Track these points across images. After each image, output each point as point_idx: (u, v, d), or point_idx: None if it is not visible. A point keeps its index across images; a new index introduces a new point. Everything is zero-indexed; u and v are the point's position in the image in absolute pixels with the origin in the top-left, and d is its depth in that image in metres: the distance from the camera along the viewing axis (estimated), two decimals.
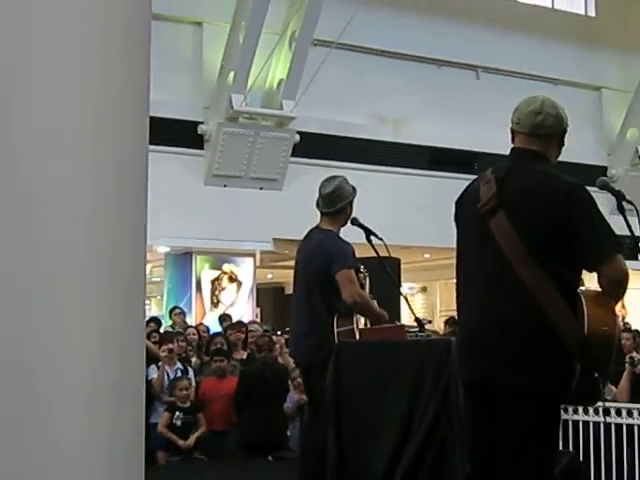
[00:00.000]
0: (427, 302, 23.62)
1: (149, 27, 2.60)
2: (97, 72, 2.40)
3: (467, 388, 4.75)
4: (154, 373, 10.18)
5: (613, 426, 7.83)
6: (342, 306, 6.55)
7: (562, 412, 4.81)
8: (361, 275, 6.91)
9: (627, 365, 8.44)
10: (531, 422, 4.31)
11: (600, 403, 7.14)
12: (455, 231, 4.78)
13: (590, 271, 4.39)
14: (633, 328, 11.47)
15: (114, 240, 2.42)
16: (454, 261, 4.73)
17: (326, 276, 6.56)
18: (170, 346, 10.67)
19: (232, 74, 15.83)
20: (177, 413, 9.94)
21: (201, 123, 16.18)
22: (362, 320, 6.71)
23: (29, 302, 2.33)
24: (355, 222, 6.85)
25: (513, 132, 4.68)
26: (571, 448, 7.68)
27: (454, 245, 4.77)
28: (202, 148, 16.25)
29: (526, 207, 4.38)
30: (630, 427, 7.74)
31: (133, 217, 2.51)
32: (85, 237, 2.37)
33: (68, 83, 2.37)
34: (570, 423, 7.66)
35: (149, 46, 2.58)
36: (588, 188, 4.47)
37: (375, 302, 6.81)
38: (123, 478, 2.46)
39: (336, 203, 6.80)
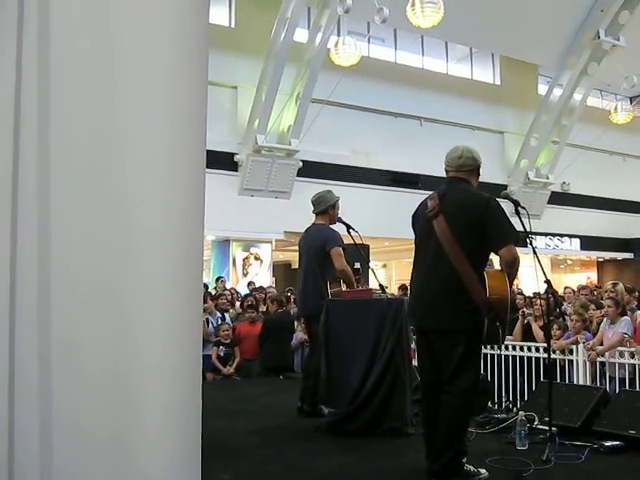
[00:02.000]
0: (387, 275, 23.63)
1: (206, 90, 2.61)
2: (179, 124, 2.41)
3: (417, 331, 4.85)
4: (207, 322, 10.22)
5: (510, 357, 7.85)
6: (333, 275, 6.57)
7: None
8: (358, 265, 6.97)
9: (519, 317, 8.47)
10: (463, 353, 4.38)
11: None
12: (405, 227, 4.88)
13: (494, 252, 4.48)
14: (524, 293, 11.49)
15: (186, 231, 2.43)
16: (405, 247, 4.82)
17: (322, 253, 6.58)
18: (210, 303, 10.71)
19: (257, 121, 15.84)
20: (221, 347, 9.98)
21: (236, 154, 16.20)
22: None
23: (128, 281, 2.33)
24: (340, 220, 6.87)
25: (446, 170, 4.79)
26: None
27: (405, 236, 4.85)
28: (237, 170, 16.27)
29: (458, 213, 4.51)
30: (521, 358, 7.75)
31: (198, 215, 2.52)
32: (167, 231, 2.37)
33: (165, 131, 2.38)
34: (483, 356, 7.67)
35: (206, 105, 2.59)
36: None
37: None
38: (188, 388, 2.43)
39: (320, 205, 6.85)
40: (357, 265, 6.90)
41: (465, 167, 4.71)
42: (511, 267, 4.48)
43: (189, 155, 2.44)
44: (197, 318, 2.55)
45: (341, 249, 6.57)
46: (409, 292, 4.99)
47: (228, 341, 9.99)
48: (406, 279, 18.17)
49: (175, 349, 2.35)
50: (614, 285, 8.68)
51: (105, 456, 2.28)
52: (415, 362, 6.64)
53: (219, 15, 16.56)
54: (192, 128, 2.46)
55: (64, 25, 2.35)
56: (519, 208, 4.88)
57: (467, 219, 4.46)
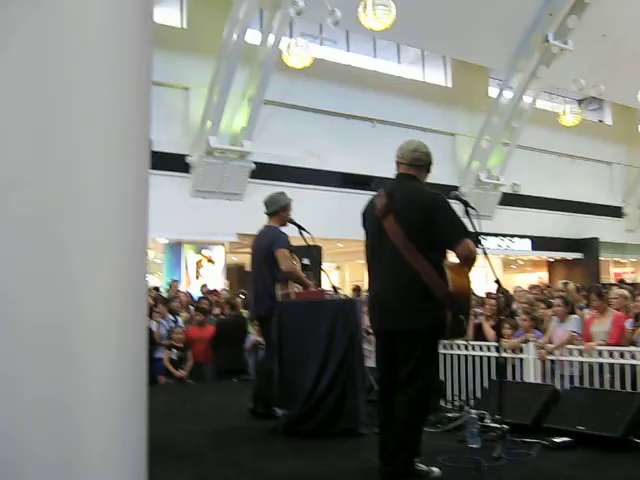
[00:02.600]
0: (340, 276, 23.68)
1: (150, 90, 2.56)
2: (121, 122, 2.38)
3: (377, 334, 4.80)
4: (155, 326, 10.14)
5: (462, 357, 7.95)
6: (281, 276, 6.57)
7: None
8: (305, 260, 6.96)
9: (471, 316, 8.55)
10: (422, 353, 4.39)
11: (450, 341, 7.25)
12: (358, 228, 4.85)
13: (449, 249, 4.48)
14: (476, 292, 11.59)
15: (126, 232, 2.40)
16: (359, 249, 4.79)
17: (270, 254, 6.58)
18: (162, 307, 10.65)
19: (209, 123, 15.75)
20: (173, 350, 9.91)
21: (188, 156, 16.09)
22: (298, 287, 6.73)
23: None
24: (291, 221, 6.87)
25: (398, 163, 4.74)
26: None
27: (358, 238, 4.82)
28: (189, 172, 16.16)
29: (407, 210, 4.46)
30: (473, 357, 7.85)
31: (140, 217, 2.48)
32: (107, 231, 2.34)
33: (104, 131, 2.35)
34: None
35: (150, 104, 2.55)
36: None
37: (303, 274, 6.85)
38: (132, 396, 2.40)
39: (271, 207, 6.84)
40: (305, 261, 6.89)
41: (417, 162, 4.68)
42: (468, 261, 4.47)
43: (131, 155, 2.40)
44: (141, 322, 2.51)
45: (287, 251, 6.56)
46: (367, 296, 4.93)
47: (180, 344, 9.93)
48: (360, 280, 18.27)
49: (118, 355, 2.32)
50: (565, 284, 8.84)
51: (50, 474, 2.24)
52: (369, 363, 6.69)
53: (170, 16, 16.45)
54: (136, 131, 2.42)
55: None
56: (468, 209, 4.91)
57: (418, 217, 4.41)
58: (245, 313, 10.67)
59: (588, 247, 23.72)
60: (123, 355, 2.36)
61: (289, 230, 6.83)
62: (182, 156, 15.99)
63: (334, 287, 6.87)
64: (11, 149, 2.28)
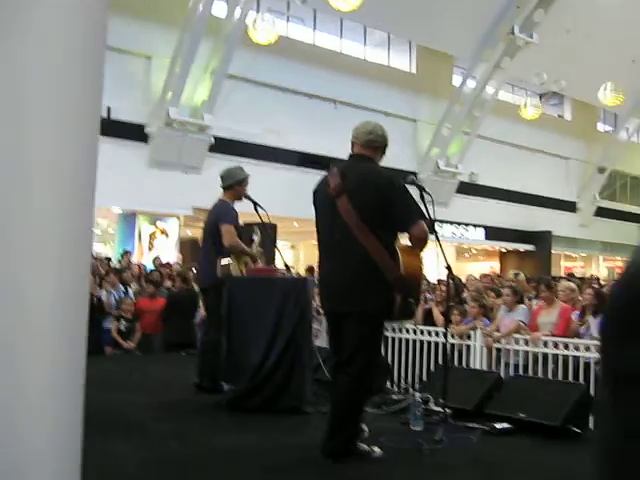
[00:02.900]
0: (295, 256, 23.73)
1: (103, 58, 2.50)
2: (67, 89, 2.32)
3: (327, 314, 4.84)
4: (105, 296, 10.05)
5: (410, 341, 8.03)
6: (223, 250, 6.58)
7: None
8: (254, 232, 6.96)
9: (422, 301, 8.63)
10: (366, 335, 4.42)
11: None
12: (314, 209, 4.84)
13: (403, 232, 4.50)
14: (427, 278, 11.69)
15: (72, 203, 2.36)
16: (314, 228, 4.77)
17: (216, 229, 6.58)
18: (113, 277, 10.57)
19: (170, 94, 15.61)
20: (122, 321, 9.84)
21: (147, 126, 15.93)
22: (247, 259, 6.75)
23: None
24: (247, 197, 6.86)
25: (353, 143, 4.73)
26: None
27: (313, 217, 4.81)
28: (147, 142, 16.01)
29: (361, 191, 4.44)
30: (421, 342, 7.93)
31: (87, 187, 2.43)
32: (50, 202, 2.30)
33: (48, 93, 2.30)
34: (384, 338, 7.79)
35: (102, 71, 2.49)
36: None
37: (259, 250, 6.86)
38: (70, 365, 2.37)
39: (227, 180, 6.82)
40: (254, 237, 6.89)
41: (373, 143, 4.65)
42: (421, 242, 4.50)
43: (79, 125, 2.36)
44: (83, 296, 2.49)
45: (232, 227, 6.57)
46: (318, 275, 4.93)
47: (129, 316, 9.86)
48: (314, 261, 18.21)
49: (58, 325, 2.30)
50: (516, 275, 8.97)
51: None
52: (316, 342, 6.73)
53: None
54: (84, 96, 2.37)
55: None
56: (424, 194, 4.93)
57: (371, 197, 4.40)
58: (196, 287, 10.64)
59: (541, 240, 24.10)
60: (64, 328, 2.33)
61: (245, 206, 6.82)
62: (141, 126, 15.83)
63: (286, 265, 6.88)
64: None
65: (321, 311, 8.37)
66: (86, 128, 2.38)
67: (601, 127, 28.21)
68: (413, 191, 4.70)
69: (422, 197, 4.91)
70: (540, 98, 23.77)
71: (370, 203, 4.40)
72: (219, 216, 6.63)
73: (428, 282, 10.84)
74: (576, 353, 6.73)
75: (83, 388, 2.41)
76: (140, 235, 16.71)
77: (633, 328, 0.60)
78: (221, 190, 6.92)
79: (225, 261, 6.50)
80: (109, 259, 13.71)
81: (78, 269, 2.37)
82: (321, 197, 4.69)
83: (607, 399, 0.63)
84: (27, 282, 2.25)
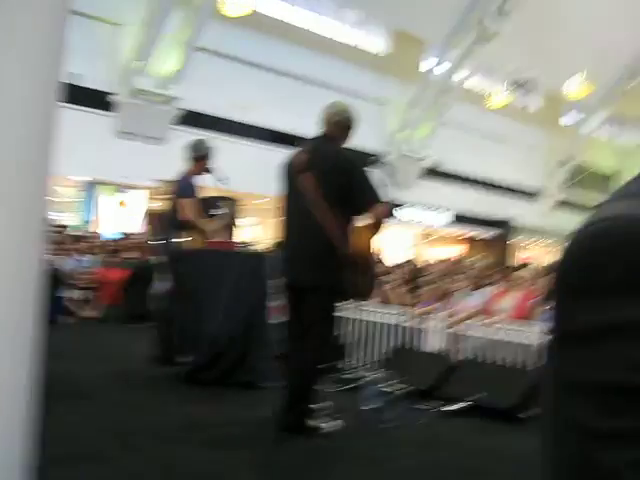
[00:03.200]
0: (262, 233, 23.66)
1: (64, 23, 2.46)
2: (23, 51, 2.29)
3: (287, 287, 4.89)
4: (64, 264, 9.96)
5: (370, 323, 8.08)
6: (178, 223, 6.59)
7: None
8: (221, 207, 6.97)
9: (381, 283, 8.68)
10: (320, 308, 4.49)
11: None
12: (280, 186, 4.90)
13: (361, 213, 4.59)
14: (386, 262, 11.78)
15: (24, 169, 2.33)
16: (280, 205, 4.85)
17: (176, 202, 6.59)
18: (70, 245, 10.50)
19: (137, 63, 15.44)
20: (76, 291, 9.78)
21: (113, 94, 15.75)
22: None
23: None
24: (209, 171, 6.87)
25: (321, 124, 4.81)
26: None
27: (281, 195, 4.87)
28: (112, 111, 15.83)
29: (323, 169, 4.57)
30: (378, 324, 7.99)
31: (42, 153, 2.40)
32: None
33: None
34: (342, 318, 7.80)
35: (64, 38, 2.45)
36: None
37: (217, 224, 6.87)
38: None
39: (191, 153, 6.84)
40: (215, 212, 6.90)
41: (340, 124, 4.78)
42: (378, 225, 4.59)
43: (35, 87, 2.33)
44: (36, 262, 2.46)
45: (189, 201, 6.57)
46: (282, 248, 5.00)
47: (87, 285, 9.80)
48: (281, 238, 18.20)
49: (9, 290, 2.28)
50: (474, 261, 9.08)
51: None
52: (274, 319, 6.77)
53: None
54: (44, 63, 2.34)
55: None
56: (385, 176, 5.01)
57: (333, 177, 4.53)
58: (152, 259, 10.60)
59: (504, 227, 24.36)
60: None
61: (208, 180, 6.81)
62: (106, 94, 15.62)
63: (244, 241, 6.91)
64: None
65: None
66: (44, 93, 2.35)
67: (567, 119, 28.51)
68: (375, 173, 4.77)
69: (382, 180, 4.98)
70: (508, 87, 23.92)
71: (331, 181, 4.53)
72: (179, 189, 6.64)
73: (387, 265, 10.91)
74: (528, 340, 6.84)
75: (39, 355, 2.40)
76: (101, 205, 16.54)
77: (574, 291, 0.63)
78: (185, 163, 6.90)
79: (180, 236, 6.52)
80: (65, 227, 13.52)
81: (30, 236, 2.35)
82: (287, 173, 4.79)
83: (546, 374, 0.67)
84: None
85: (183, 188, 6.63)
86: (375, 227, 4.61)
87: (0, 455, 2.24)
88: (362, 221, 4.65)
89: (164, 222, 6.79)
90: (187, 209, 6.53)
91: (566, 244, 0.67)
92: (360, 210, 4.61)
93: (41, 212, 2.46)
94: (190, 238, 6.56)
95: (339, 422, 4.76)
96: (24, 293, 2.35)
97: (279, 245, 12.29)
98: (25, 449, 2.33)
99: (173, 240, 6.51)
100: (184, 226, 6.57)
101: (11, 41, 2.24)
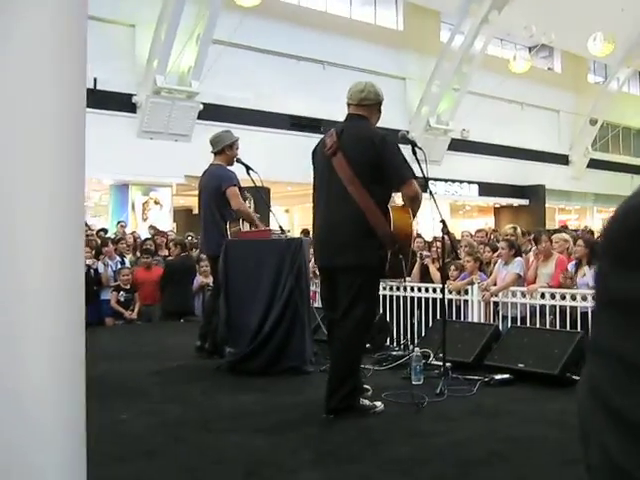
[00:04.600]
0: (289, 219, 23.74)
1: (85, 26, 2.46)
2: (50, 61, 2.30)
3: (321, 269, 4.92)
4: (102, 267, 10.06)
5: (408, 298, 8.07)
6: (231, 214, 6.58)
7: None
8: (247, 198, 6.95)
9: (418, 259, 8.65)
10: (360, 288, 4.48)
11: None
12: (307, 172, 4.91)
13: (396, 191, 4.57)
14: (423, 236, 11.72)
15: (61, 174, 2.35)
16: (308, 192, 4.85)
17: (219, 193, 6.57)
18: (110, 247, 10.59)
19: (156, 61, 15.51)
20: (121, 292, 9.87)
21: (134, 95, 15.84)
22: (247, 225, 6.76)
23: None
24: (239, 161, 6.86)
25: (348, 105, 4.78)
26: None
27: (307, 181, 4.87)
28: (135, 112, 15.92)
29: (355, 149, 4.55)
30: (419, 299, 7.97)
31: (76, 159, 2.41)
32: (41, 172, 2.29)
33: (30, 67, 2.27)
34: (383, 297, 7.80)
35: (85, 40, 2.45)
36: None
37: (255, 215, 6.88)
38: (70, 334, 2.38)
39: (217, 145, 6.83)
40: (248, 203, 6.91)
41: (367, 101, 4.72)
42: (414, 201, 4.57)
43: (63, 94, 2.34)
44: (78, 267, 2.48)
45: (237, 188, 6.57)
46: (312, 231, 5.00)
47: (128, 286, 9.89)
48: (309, 224, 18.28)
49: (54, 295, 2.30)
50: (513, 229, 8.99)
51: None
52: (315, 303, 6.79)
53: None
54: (68, 69, 2.34)
55: None
56: (416, 149, 4.96)
57: (365, 156, 4.49)
58: (195, 254, 10.67)
59: (534, 194, 24.13)
60: (63, 298, 2.34)
61: (237, 171, 6.82)
62: (128, 95, 15.73)
63: (281, 228, 6.90)
64: None
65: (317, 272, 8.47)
66: (71, 99, 2.36)
67: (592, 78, 28.10)
68: (406, 149, 4.74)
69: (414, 153, 4.94)
70: (529, 51, 23.62)
71: (364, 161, 4.49)
72: (221, 180, 6.61)
73: (424, 239, 10.85)
74: (573, 303, 6.77)
75: (83, 358, 2.43)
76: (134, 205, 16.69)
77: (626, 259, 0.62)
78: (212, 156, 6.91)
79: (237, 228, 6.52)
80: (105, 230, 13.70)
81: (71, 240, 2.37)
82: (318, 157, 4.78)
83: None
84: (20, 256, 2.25)
85: (227, 177, 6.61)
86: (411, 205, 4.59)
87: (55, 454, 2.27)
88: (399, 199, 4.63)
89: (209, 216, 6.74)
90: (239, 198, 6.54)
91: (617, 211, 0.66)
92: (394, 187, 4.59)
93: (80, 217, 2.49)
94: (240, 227, 6.58)
95: (384, 403, 4.77)
96: (69, 297, 2.37)
97: (306, 232, 12.41)
98: (79, 447, 2.36)
99: (231, 231, 6.51)
100: (238, 216, 6.58)
101: (33, 50, 2.25)
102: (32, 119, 2.25)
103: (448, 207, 22.54)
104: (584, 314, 6.59)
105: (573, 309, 6.78)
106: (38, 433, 2.25)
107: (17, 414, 2.23)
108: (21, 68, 2.24)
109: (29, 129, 2.25)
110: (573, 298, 6.80)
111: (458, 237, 11.63)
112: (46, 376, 2.28)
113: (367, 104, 4.74)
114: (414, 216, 4.64)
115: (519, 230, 9.81)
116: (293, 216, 24.21)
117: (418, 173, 4.75)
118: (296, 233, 16.02)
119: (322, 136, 4.87)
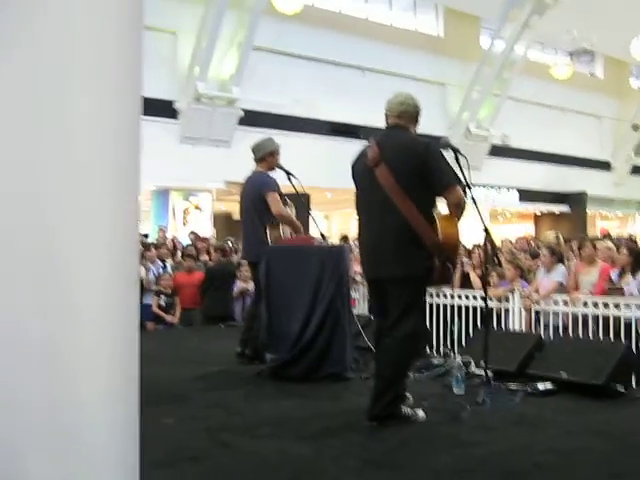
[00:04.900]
0: (328, 226, 23.76)
1: (141, 34, 2.51)
2: (110, 69, 2.33)
3: (369, 280, 4.94)
4: (143, 272, 10.16)
5: (449, 305, 8.03)
6: (271, 219, 6.60)
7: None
8: (289, 205, 6.96)
9: (458, 265, 8.60)
10: (409, 299, 4.47)
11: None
12: (346, 178, 4.91)
13: (440, 196, 4.54)
14: (463, 243, 11.65)
15: (119, 181, 2.38)
16: (347, 198, 4.86)
17: (259, 198, 6.60)
18: (154, 251, 10.70)
19: (197, 68, 15.65)
20: (162, 296, 9.98)
21: (176, 101, 16.00)
22: (287, 230, 6.78)
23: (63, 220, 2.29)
24: (279, 167, 6.89)
25: (387, 116, 4.80)
26: None
27: (346, 187, 4.88)
28: (177, 118, 16.08)
29: (398, 159, 4.54)
30: (459, 306, 7.93)
31: (132, 164, 2.45)
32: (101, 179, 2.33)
33: (90, 78, 2.31)
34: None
35: (141, 48, 2.50)
36: None
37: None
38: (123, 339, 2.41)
39: (258, 152, 6.85)
40: (288, 209, 6.93)
41: (406, 114, 4.75)
42: (457, 207, 4.55)
43: (123, 105, 2.37)
44: (134, 273, 2.51)
45: (277, 194, 6.59)
46: (358, 243, 5.01)
47: (169, 291, 9.99)
48: (347, 230, 18.31)
49: (110, 304, 2.33)
50: (556, 237, 8.91)
51: (41, 429, 2.26)
52: (355, 310, 6.79)
53: None
54: (126, 78, 2.38)
55: None
56: (459, 156, 4.93)
57: (409, 165, 4.48)
58: (235, 259, 10.73)
59: (575, 200, 23.85)
60: (114, 296, 2.37)
61: (278, 177, 6.85)
62: (170, 102, 15.90)
63: (322, 234, 6.91)
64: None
65: (358, 279, 8.46)
66: (129, 108, 2.40)
67: (634, 83, 27.71)
68: (447, 155, 4.73)
69: (457, 160, 4.92)
70: (571, 56, 23.38)
71: (407, 170, 4.48)
72: (261, 185, 6.64)
73: (464, 246, 10.79)
74: (617, 312, 6.68)
75: (138, 362, 2.46)
76: (174, 211, 16.85)
77: None
78: (252, 163, 6.95)
79: (278, 234, 6.55)
80: (146, 235, 13.86)
81: (128, 248, 2.41)
82: (360, 168, 4.78)
83: None
84: (78, 264, 2.29)
85: (267, 183, 6.63)
86: (456, 212, 4.57)
87: (107, 459, 2.30)
88: (444, 208, 4.61)
89: (249, 222, 6.77)
90: (279, 203, 6.56)
91: None
92: (438, 195, 4.57)
93: (135, 224, 2.52)
94: (280, 232, 6.61)
95: (425, 411, 4.75)
96: (126, 303, 2.41)
97: (345, 239, 12.40)
98: (130, 452, 2.39)
99: (271, 236, 6.54)
100: (278, 221, 6.61)
101: (95, 58, 2.28)
102: (94, 130, 2.29)
103: (487, 213, 22.37)
104: (628, 324, 6.49)
105: (616, 318, 6.69)
106: (92, 457, 2.27)
107: (73, 444, 2.26)
108: (86, 78, 2.28)
109: (91, 140, 2.29)
110: (617, 307, 6.70)
111: (498, 244, 11.56)
112: (103, 377, 2.31)
113: (407, 116, 4.77)
114: (458, 222, 4.63)
115: (561, 237, 9.71)
116: (332, 222, 24.22)
117: (460, 177, 4.74)
118: (335, 239, 16.06)
119: (361, 142, 4.89)
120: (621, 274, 7.61)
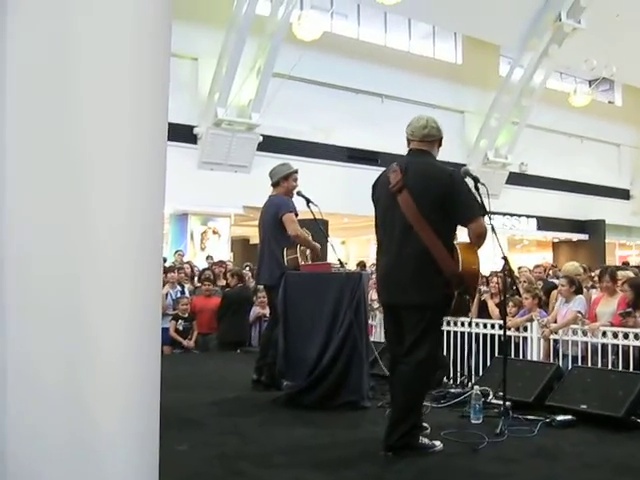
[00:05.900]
0: (345, 251, 23.70)
1: (169, 62, 2.55)
2: (139, 95, 2.36)
3: (385, 307, 4.89)
4: (164, 296, 10.17)
5: (466, 334, 7.95)
6: (288, 241, 6.59)
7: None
8: (304, 231, 6.95)
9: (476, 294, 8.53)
10: (425, 327, 4.42)
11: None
12: (364, 204, 4.89)
13: (463, 226, 4.50)
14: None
15: (144, 203, 2.40)
16: (364, 224, 4.83)
17: (275, 220, 6.60)
18: (173, 275, 10.69)
19: (217, 94, 15.75)
20: (180, 321, 9.96)
21: (196, 127, 16.10)
22: (307, 252, 6.77)
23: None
24: (299, 194, 6.88)
25: (409, 140, 4.77)
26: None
27: (364, 214, 4.84)
28: (196, 143, 16.18)
29: (422, 186, 4.49)
30: (477, 334, 7.86)
31: (158, 189, 2.48)
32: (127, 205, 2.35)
33: (123, 105, 2.33)
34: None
35: (169, 76, 2.54)
36: None
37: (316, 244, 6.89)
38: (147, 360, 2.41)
39: (273, 178, 6.89)
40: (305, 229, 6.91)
41: (429, 137, 4.69)
42: (480, 239, 4.52)
43: (151, 129, 2.39)
44: (156, 291, 2.52)
45: (293, 215, 6.59)
46: (375, 269, 4.97)
47: (186, 315, 9.97)
48: (364, 256, 18.27)
49: (131, 329, 2.33)
50: (583, 269, 8.82)
51: (62, 458, 2.25)
52: (372, 337, 6.73)
53: None
54: (154, 101, 2.40)
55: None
56: (479, 185, 4.90)
57: (433, 193, 4.44)
58: (252, 284, 10.71)
59: (594, 228, 23.69)
60: (136, 329, 2.37)
61: (298, 204, 6.84)
62: (190, 127, 16.00)
63: (340, 260, 6.89)
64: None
65: (375, 306, 8.40)
66: (157, 134, 2.42)
67: None
68: (467, 183, 4.70)
69: (477, 188, 4.88)
70: (590, 84, 23.34)
71: (431, 198, 4.44)
72: (278, 207, 6.65)
73: (482, 275, 10.72)
74: (636, 343, 6.59)
75: (159, 386, 2.46)
76: (192, 235, 16.90)
77: None
78: (270, 188, 6.97)
79: (294, 255, 6.54)
80: (164, 259, 13.88)
81: (152, 272, 2.41)
82: (381, 193, 4.73)
83: None
84: (107, 286, 2.30)
85: (284, 204, 6.65)
86: (477, 242, 4.54)
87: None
88: (465, 237, 4.57)
89: (265, 246, 6.77)
90: (295, 224, 6.57)
91: None
92: (461, 224, 4.54)
93: (159, 249, 2.53)
94: (297, 254, 6.59)
95: (442, 441, 4.68)
96: (150, 325, 2.42)
97: (362, 265, 12.33)
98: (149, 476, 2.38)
99: (287, 259, 6.53)
100: (295, 243, 6.60)
101: (125, 85, 2.31)
102: (120, 153, 2.31)
103: (506, 241, 22.25)
104: None
105: (636, 348, 6.60)
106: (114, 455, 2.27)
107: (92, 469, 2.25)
108: (117, 103, 2.31)
109: (117, 164, 2.31)
110: (636, 337, 6.61)
111: (515, 272, 11.47)
112: (125, 400, 2.31)
113: (430, 140, 4.72)
114: (478, 251, 4.60)
115: (579, 266, 9.61)
116: (349, 248, 24.18)
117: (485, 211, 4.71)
118: (352, 265, 16.01)
119: (379, 169, 4.85)
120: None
